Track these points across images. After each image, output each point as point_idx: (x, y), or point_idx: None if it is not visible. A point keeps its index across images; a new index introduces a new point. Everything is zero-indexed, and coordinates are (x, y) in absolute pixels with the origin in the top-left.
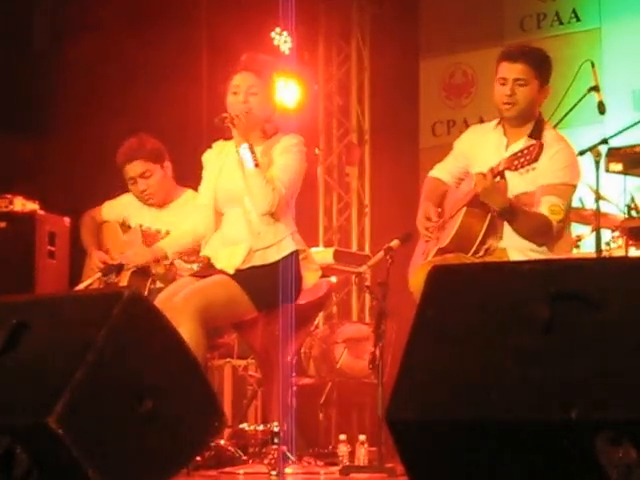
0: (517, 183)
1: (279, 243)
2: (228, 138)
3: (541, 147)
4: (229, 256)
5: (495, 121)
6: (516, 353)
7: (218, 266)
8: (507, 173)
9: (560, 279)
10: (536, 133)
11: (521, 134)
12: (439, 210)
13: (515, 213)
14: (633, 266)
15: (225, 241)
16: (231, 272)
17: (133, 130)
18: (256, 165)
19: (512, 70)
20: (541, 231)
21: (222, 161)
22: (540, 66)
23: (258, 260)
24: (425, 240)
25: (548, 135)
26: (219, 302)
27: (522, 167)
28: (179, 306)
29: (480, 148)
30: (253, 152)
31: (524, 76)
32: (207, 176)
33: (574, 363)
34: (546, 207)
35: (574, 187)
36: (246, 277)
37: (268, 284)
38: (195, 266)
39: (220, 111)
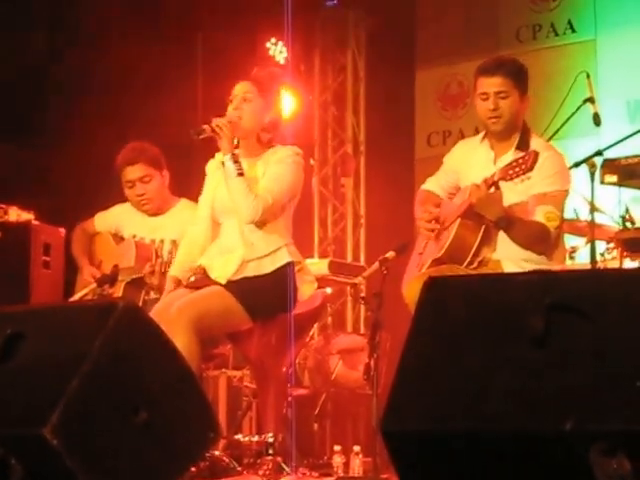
0: (510, 194)
1: (273, 254)
2: (237, 146)
3: (536, 156)
4: (222, 266)
5: (481, 135)
6: (511, 364)
7: (212, 276)
8: (500, 184)
9: (555, 290)
10: (523, 144)
11: (508, 147)
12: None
13: (511, 222)
14: (627, 277)
15: (221, 251)
16: (223, 282)
17: (128, 140)
18: (239, 174)
19: (491, 84)
20: (539, 238)
21: (222, 171)
22: (518, 76)
23: (252, 271)
24: (425, 242)
25: (535, 144)
26: (214, 313)
27: (517, 177)
28: (174, 317)
29: (469, 163)
30: (237, 162)
31: (504, 88)
32: (207, 186)
33: (568, 375)
34: (542, 215)
35: (566, 192)
36: (241, 288)
37: (263, 295)
38: (191, 277)
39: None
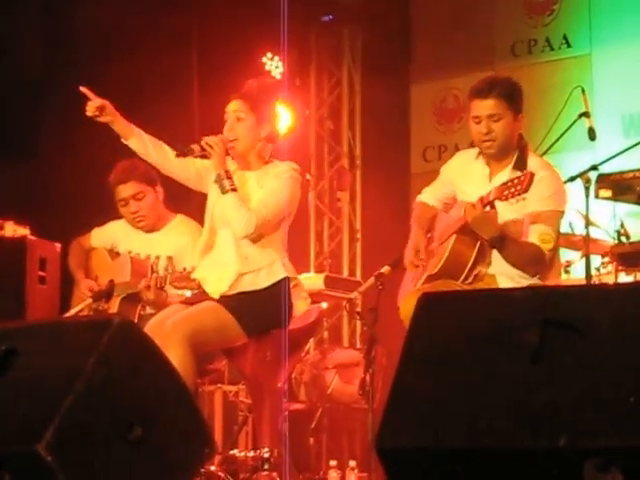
0: (506, 211)
1: (269, 267)
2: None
3: (532, 177)
4: (217, 280)
5: (477, 150)
6: (505, 380)
7: (207, 289)
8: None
9: (549, 306)
10: (520, 163)
11: (504, 165)
12: (429, 236)
13: (505, 242)
14: (621, 293)
15: (215, 264)
16: (216, 297)
17: (124, 155)
18: (232, 190)
19: (484, 107)
20: (533, 260)
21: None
22: (511, 97)
23: (248, 285)
24: (415, 266)
25: (532, 163)
26: (209, 328)
27: (512, 197)
28: (168, 332)
29: (465, 176)
30: (229, 178)
31: (497, 111)
32: (210, 194)
33: (562, 390)
34: (536, 236)
35: (562, 213)
36: (236, 303)
37: (258, 310)
38: (187, 292)
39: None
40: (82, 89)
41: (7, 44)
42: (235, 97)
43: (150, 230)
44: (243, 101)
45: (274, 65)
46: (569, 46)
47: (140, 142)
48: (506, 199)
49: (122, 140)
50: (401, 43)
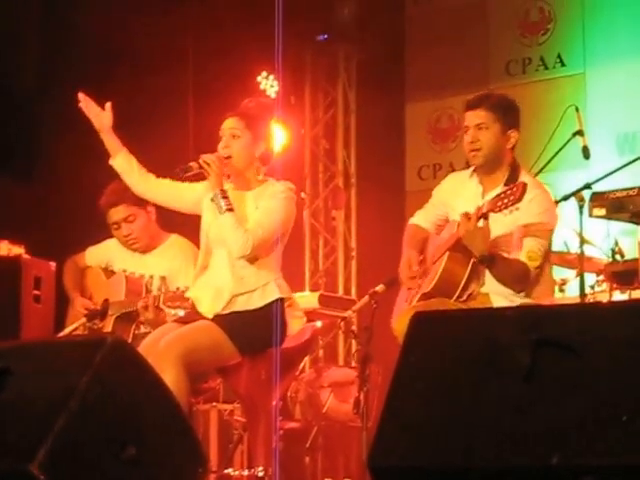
0: (497, 226)
1: (263, 288)
2: (228, 177)
3: (524, 187)
4: (211, 300)
5: (471, 169)
6: (498, 400)
7: (200, 309)
8: (490, 216)
9: (541, 326)
10: (512, 180)
11: (497, 182)
12: (421, 257)
13: (494, 260)
14: (614, 312)
15: (209, 283)
16: (210, 316)
17: (117, 175)
18: (229, 210)
19: (473, 117)
20: (519, 278)
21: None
22: (501, 110)
23: (241, 305)
24: (408, 288)
25: (524, 181)
26: (202, 347)
27: (506, 207)
28: (162, 352)
29: (458, 196)
30: (226, 197)
31: (483, 120)
32: (205, 214)
33: (555, 409)
34: (524, 253)
35: (551, 231)
36: (230, 322)
37: (251, 329)
38: (180, 311)
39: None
40: (81, 95)
41: (2, 65)
42: (231, 115)
43: (144, 251)
44: (239, 118)
45: (269, 84)
46: (563, 65)
47: (126, 161)
48: (500, 210)
49: (110, 160)
50: (396, 62)
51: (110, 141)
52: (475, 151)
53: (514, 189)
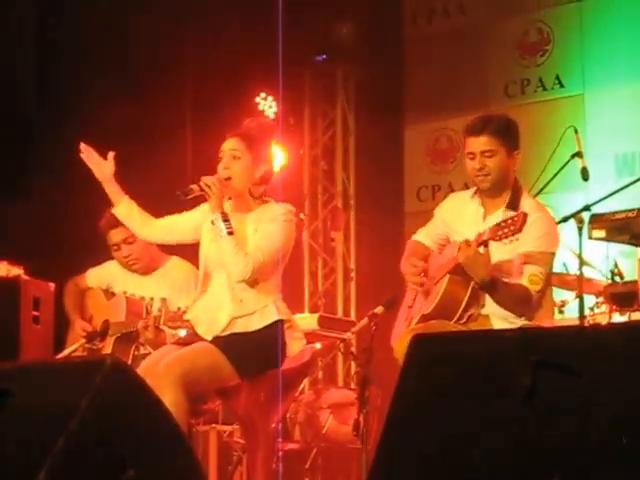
0: (498, 251)
1: (262, 310)
2: (229, 198)
3: (525, 217)
4: (210, 322)
5: (473, 189)
6: (497, 422)
7: (198, 331)
8: (490, 242)
9: (541, 348)
10: (513, 203)
11: (498, 204)
12: (422, 275)
13: (495, 286)
14: (613, 334)
15: (208, 306)
16: (209, 338)
17: None
18: (229, 233)
19: (477, 144)
20: (521, 302)
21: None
22: (505, 133)
23: (240, 327)
24: (413, 288)
25: (526, 204)
26: (201, 369)
27: (506, 237)
28: (161, 373)
29: (459, 217)
30: (227, 220)
31: (490, 147)
32: (203, 237)
33: (554, 431)
34: (526, 277)
35: (553, 255)
36: (228, 344)
37: (251, 352)
38: (180, 332)
39: (207, 174)
40: (83, 146)
41: (1, 84)
42: (232, 135)
43: (145, 272)
44: (240, 139)
45: (268, 105)
46: (562, 86)
47: (127, 208)
48: (500, 239)
49: (112, 209)
50: (395, 83)
51: (112, 190)
52: (483, 176)
53: (515, 219)
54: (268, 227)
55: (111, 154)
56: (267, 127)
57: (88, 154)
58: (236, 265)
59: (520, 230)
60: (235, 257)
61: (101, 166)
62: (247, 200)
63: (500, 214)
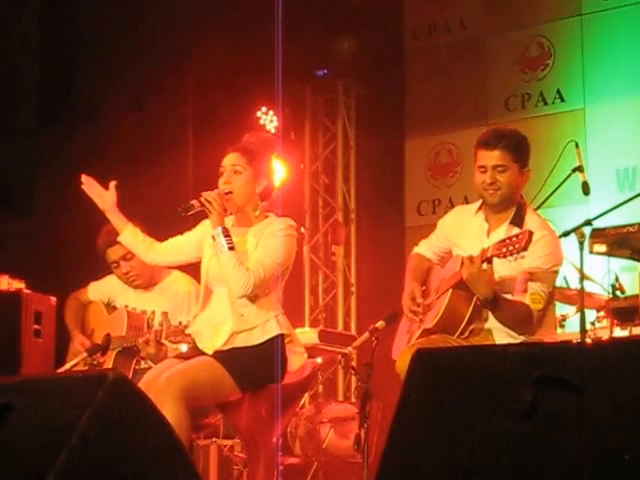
0: (502, 267)
1: (263, 325)
2: (231, 213)
3: (530, 236)
4: (211, 337)
5: (477, 204)
6: (498, 438)
7: (200, 345)
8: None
9: (543, 363)
10: (518, 219)
11: (502, 220)
12: (423, 288)
13: (497, 304)
14: (615, 350)
15: (209, 321)
16: (210, 353)
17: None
18: (230, 248)
19: (490, 158)
20: (522, 321)
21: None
22: (518, 150)
23: (242, 341)
24: (410, 320)
25: (531, 221)
26: (203, 383)
27: (510, 255)
28: (162, 387)
29: (462, 232)
30: (228, 235)
31: (503, 162)
32: (204, 252)
33: (556, 448)
34: (528, 295)
35: (556, 273)
36: (230, 358)
37: (252, 366)
38: (182, 346)
39: (208, 189)
40: (84, 178)
41: (2, 103)
42: (232, 150)
43: (146, 287)
44: (241, 154)
45: (268, 119)
46: (563, 101)
47: (132, 235)
48: (504, 256)
49: (117, 237)
50: (395, 98)
51: (116, 219)
52: (493, 190)
53: (520, 237)
54: (269, 242)
55: (112, 184)
56: (268, 142)
57: (89, 186)
58: (237, 280)
59: (525, 249)
60: (236, 272)
61: (103, 197)
62: (248, 215)
63: (504, 229)
